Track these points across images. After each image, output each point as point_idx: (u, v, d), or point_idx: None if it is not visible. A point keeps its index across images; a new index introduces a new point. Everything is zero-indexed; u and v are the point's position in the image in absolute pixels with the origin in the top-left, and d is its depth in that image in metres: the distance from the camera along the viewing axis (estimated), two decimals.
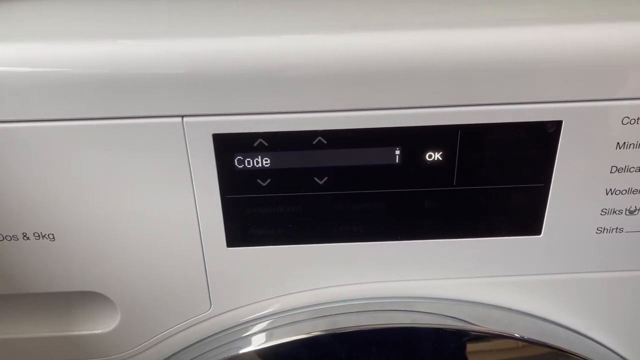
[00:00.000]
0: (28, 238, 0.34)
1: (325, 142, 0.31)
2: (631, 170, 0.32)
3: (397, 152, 0.32)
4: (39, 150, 0.31)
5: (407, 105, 0.30)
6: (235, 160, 0.32)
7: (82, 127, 0.31)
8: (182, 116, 0.30)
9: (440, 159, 0.32)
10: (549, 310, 0.39)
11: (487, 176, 0.33)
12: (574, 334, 0.40)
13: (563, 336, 0.39)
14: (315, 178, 0.33)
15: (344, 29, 0.30)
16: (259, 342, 0.38)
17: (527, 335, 0.38)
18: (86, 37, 0.30)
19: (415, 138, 0.31)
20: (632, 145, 0.32)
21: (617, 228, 0.34)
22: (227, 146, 0.31)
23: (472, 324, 0.37)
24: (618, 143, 0.32)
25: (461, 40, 0.30)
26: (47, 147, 0.31)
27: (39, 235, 0.34)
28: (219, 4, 0.34)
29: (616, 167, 0.32)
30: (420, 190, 0.33)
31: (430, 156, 0.32)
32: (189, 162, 0.32)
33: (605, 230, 0.34)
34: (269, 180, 0.33)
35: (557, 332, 0.39)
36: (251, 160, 0.32)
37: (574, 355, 0.39)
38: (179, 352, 0.39)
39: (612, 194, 0.33)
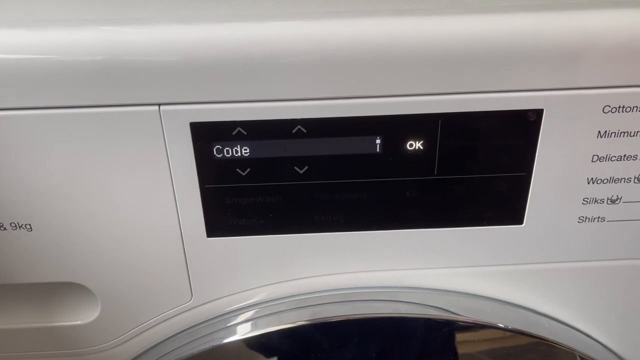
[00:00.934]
0: (5, 228, 0.34)
1: (305, 131, 0.31)
2: (612, 159, 0.32)
3: (378, 141, 0.31)
4: (12, 138, 0.31)
5: (388, 93, 0.30)
6: (214, 150, 0.31)
7: (56, 115, 0.30)
8: (159, 104, 0.30)
9: (421, 147, 0.32)
10: (532, 300, 0.38)
11: (468, 165, 0.32)
12: (557, 323, 0.40)
13: (546, 326, 0.39)
14: (295, 167, 0.32)
15: (323, 16, 0.30)
16: (241, 333, 0.37)
17: (510, 325, 0.38)
18: (60, 23, 0.29)
19: (395, 127, 0.31)
20: (613, 134, 0.31)
21: (599, 217, 0.34)
22: (205, 135, 0.31)
23: (456, 313, 0.37)
24: (599, 132, 0.31)
25: (441, 28, 0.29)
26: (21, 135, 0.31)
27: (15, 226, 0.34)
28: None
29: (597, 155, 0.32)
30: (401, 180, 0.32)
31: (411, 145, 0.32)
32: (166, 152, 0.31)
33: (587, 220, 0.34)
34: (248, 170, 0.32)
35: (541, 322, 0.39)
36: (230, 149, 0.31)
37: (557, 344, 0.39)
38: (160, 342, 0.39)
39: (593, 183, 0.33)
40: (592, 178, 0.33)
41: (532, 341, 0.38)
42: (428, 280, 0.37)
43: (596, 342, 0.41)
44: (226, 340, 0.38)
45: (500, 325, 0.38)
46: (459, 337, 0.38)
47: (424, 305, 0.37)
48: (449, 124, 0.31)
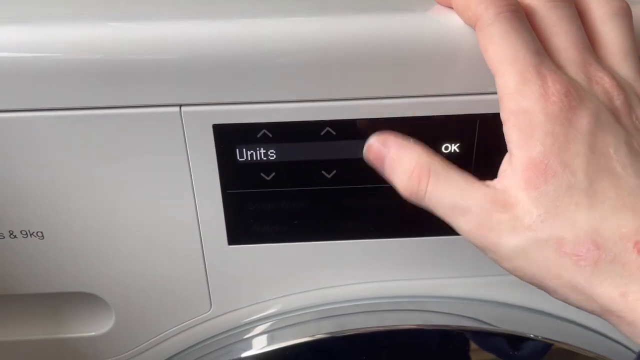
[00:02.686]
0: (15, 236, 0.32)
1: (334, 133, 0.29)
2: None
3: None
4: (25, 142, 0.29)
5: (423, 93, 0.28)
6: (237, 153, 0.30)
7: (71, 117, 0.28)
8: (180, 105, 0.28)
9: (458, 150, 0.30)
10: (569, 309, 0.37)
11: None
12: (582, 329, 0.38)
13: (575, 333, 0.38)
14: (323, 171, 0.31)
15: (352, 10, 0.28)
16: (261, 345, 0.36)
17: (542, 334, 0.36)
18: (75, 19, 0.28)
19: (430, 128, 0.29)
20: None
21: None
22: (228, 137, 0.29)
23: (488, 323, 0.35)
24: None
25: None
26: (33, 138, 0.29)
27: (26, 233, 0.32)
28: None
29: None
30: None
31: (446, 148, 0.30)
32: (187, 155, 0.30)
33: None
34: (273, 174, 0.31)
35: (568, 329, 0.37)
36: (254, 153, 0.30)
37: (579, 351, 0.37)
38: (177, 354, 0.38)
39: None
40: None
41: (563, 349, 0.37)
42: (459, 289, 0.36)
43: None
44: (246, 354, 0.36)
45: (531, 335, 0.36)
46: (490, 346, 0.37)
47: (456, 315, 0.35)
48: (488, 125, 0.29)
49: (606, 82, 0.25)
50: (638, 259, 0.22)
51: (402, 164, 0.27)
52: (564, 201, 0.23)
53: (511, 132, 0.25)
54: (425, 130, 0.29)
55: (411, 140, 0.27)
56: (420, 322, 0.35)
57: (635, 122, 0.25)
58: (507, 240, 0.24)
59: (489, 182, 0.26)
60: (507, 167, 0.25)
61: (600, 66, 0.25)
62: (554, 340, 0.37)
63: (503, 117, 0.25)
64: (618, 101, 0.25)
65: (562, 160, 0.23)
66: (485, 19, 0.25)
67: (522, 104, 0.24)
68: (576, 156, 0.23)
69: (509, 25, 0.24)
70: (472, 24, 0.26)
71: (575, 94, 0.24)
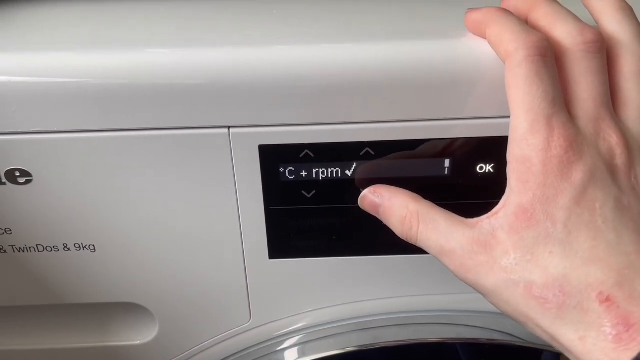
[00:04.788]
0: (69, 249, 0.34)
1: (373, 153, 0.31)
2: None
3: (447, 164, 0.31)
4: (81, 160, 0.31)
5: (458, 116, 0.30)
6: (281, 171, 0.31)
7: (126, 138, 0.30)
8: (229, 127, 0.30)
9: (492, 171, 0.31)
10: None
11: None
12: None
13: None
14: (361, 190, 0.32)
15: (392, 37, 0.30)
16: (298, 356, 0.37)
17: None
18: (130, 46, 0.29)
19: (465, 149, 0.31)
20: None
21: None
22: (273, 157, 0.31)
23: (520, 338, 0.36)
24: None
25: None
26: (89, 157, 0.31)
27: (79, 246, 0.34)
28: (261, 10, 0.33)
29: None
30: (470, 203, 0.32)
31: (481, 168, 0.31)
32: (234, 173, 0.31)
33: None
34: (314, 192, 0.32)
35: None
36: (297, 172, 0.31)
37: None
38: None
39: None
40: None
41: None
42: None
43: None
44: None
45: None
46: None
47: (487, 329, 0.36)
48: None
49: (613, 139, 0.25)
50: (599, 308, 0.23)
51: (394, 211, 0.29)
52: (540, 248, 0.25)
53: (511, 176, 0.26)
54: (460, 151, 0.31)
55: (400, 189, 0.30)
56: (453, 336, 0.36)
57: (633, 181, 0.25)
58: (485, 280, 0.26)
59: (476, 221, 0.27)
60: (502, 207, 0.26)
61: (613, 122, 0.26)
62: None
63: (508, 158, 0.26)
64: (620, 160, 0.25)
65: (547, 210, 0.25)
66: (514, 58, 0.25)
67: (525, 152, 0.25)
68: (561, 208, 0.24)
69: (534, 71, 0.25)
70: (503, 60, 0.27)
71: (577, 149, 0.25)
